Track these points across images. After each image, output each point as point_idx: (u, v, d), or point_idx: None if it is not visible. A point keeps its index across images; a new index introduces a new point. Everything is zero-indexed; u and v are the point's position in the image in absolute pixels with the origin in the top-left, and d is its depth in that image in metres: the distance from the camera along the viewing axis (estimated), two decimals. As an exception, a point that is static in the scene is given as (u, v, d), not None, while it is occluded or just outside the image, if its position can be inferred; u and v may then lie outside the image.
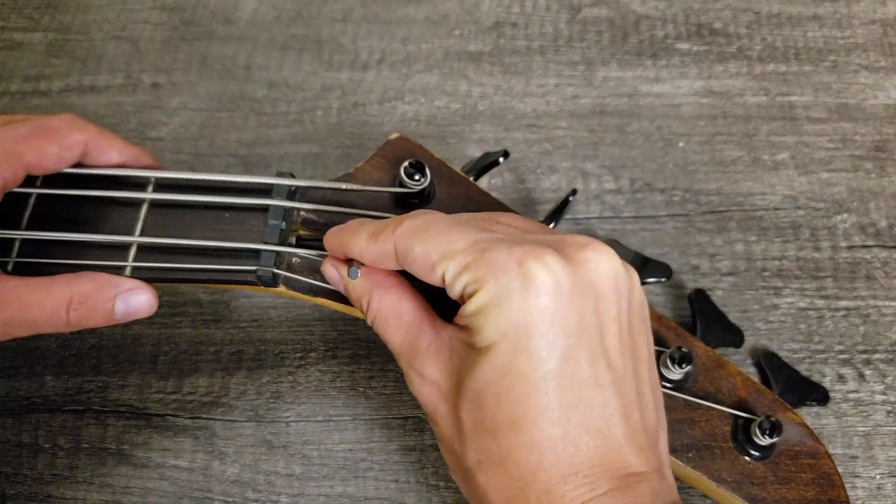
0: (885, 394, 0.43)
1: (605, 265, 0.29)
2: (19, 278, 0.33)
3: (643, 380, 0.30)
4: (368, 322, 0.32)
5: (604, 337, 0.28)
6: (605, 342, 0.28)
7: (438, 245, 0.29)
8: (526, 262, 0.27)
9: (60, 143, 0.34)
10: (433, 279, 0.29)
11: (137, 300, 0.34)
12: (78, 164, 0.35)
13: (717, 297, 0.45)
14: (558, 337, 0.27)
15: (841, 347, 0.44)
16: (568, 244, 0.29)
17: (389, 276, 0.32)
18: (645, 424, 0.29)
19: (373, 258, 0.31)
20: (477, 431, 0.28)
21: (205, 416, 0.43)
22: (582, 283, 0.28)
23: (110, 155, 0.36)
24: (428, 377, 0.30)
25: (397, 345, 0.31)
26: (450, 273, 0.28)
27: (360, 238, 0.31)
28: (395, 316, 0.31)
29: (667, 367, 0.36)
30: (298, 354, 0.44)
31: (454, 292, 0.29)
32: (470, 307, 0.28)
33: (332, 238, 0.32)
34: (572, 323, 0.27)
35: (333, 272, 0.33)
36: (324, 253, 0.35)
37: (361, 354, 0.44)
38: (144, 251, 0.35)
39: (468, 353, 0.29)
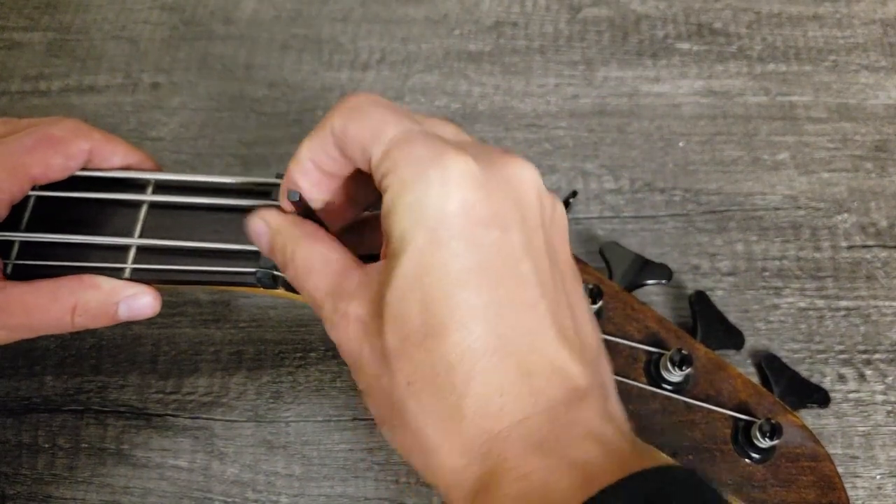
0: (885, 394, 0.43)
1: (527, 173, 0.28)
2: (24, 284, 0.33)
3: (573, 295, 0.29)
4: (289, 276, 0.30)
5: (529, 239, 0.27)
6: (531, 243, 0.27)
7: (372, 125, 0.28)
8: (446, 155, 0.26)
9: (65, 153, 0.34)
10: (363, 162, 0.28)
11: (140, 303, 0.34)
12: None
13: (718, 297, 0.45)
14: (478, 229, 0.26)
15: (841, 347, 0.44)
16: (492, 151, 0.28)
17: (317, 229, 0.31)
18: (581, 338, 0.28)
19: (313, 152, 0.29)
20: (403, 350, 0.26)
21: (204, 416, 0.43)
22: (502, 183, 0.27)
23: (113, 160, 0.36)
24: (352, 315, 0.28)
25: (322, 292, 0.29)
26: (376, 156, 0.27)
27: (301, 146, 0.30)
28: (322, 262, 0.29)
29: (667, 369, 0.36)
30: (298, 354, 0.44)
31: (377, 180, 0.28)
32: (386, 200, 0.27)
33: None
34: (493, 217, 0.26)
35: (259, 223, 0.31)
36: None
37: (361, 354, 0.44)
38: (144, 253, 0.35)
39: (387, 266, 0.27)
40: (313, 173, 0.30)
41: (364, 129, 0.28)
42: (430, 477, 0.27)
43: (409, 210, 0.26)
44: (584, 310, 0.29)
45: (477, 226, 0.26)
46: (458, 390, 0.25)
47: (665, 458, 0.25)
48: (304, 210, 0.31)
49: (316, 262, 0.29)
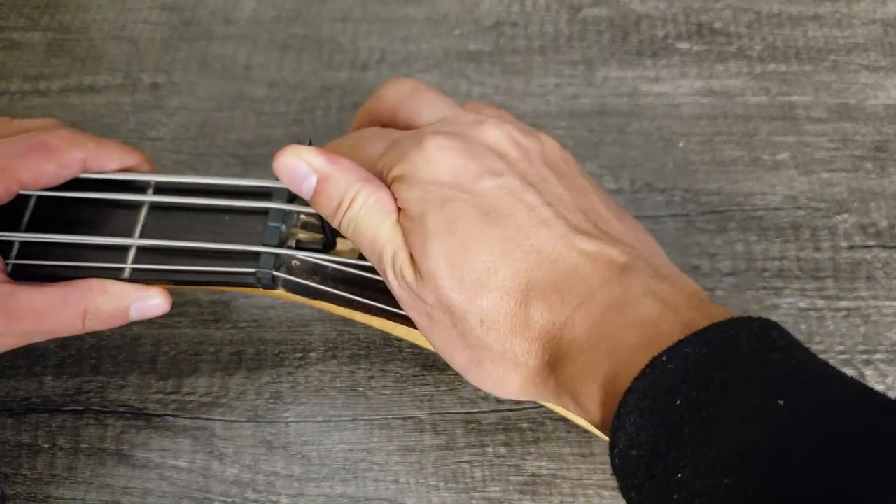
0: (885, 394, 0.43)
1: (496, 131, 0.32)
2: (33, 289, 0.33)
3: (588, 200, 0.32)
4: (345, 222, 0.31)
5: (522, 175, 0.30)
6: (526, 178, 0.30)
7: (367, 154, 0.32)
8: (423, 139, 0.30)
9: (59, 162, 0.34)
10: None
11: (150, 304, 0.35)
12: None
13: (718, 297, 0.45)
14: (475, 182, 0.30)
15: (841, 348, 0.44)
16: (467, 124, 0.32)
17: (369, 174, 0.32)
18: (609, 231, 0.30)
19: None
20: (467, 296, 0.29)
21: (204, 416, 0.43)
22: (479, 145, 0.31)
23: (109, 165, 0.36)
24: (403, 276, 0.30)
25: (383, 238, 0.30)
26: (377, 166, 0.31)
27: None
28: (389, 211, 0.31)
29: None
30: (298, 355, 0.44)
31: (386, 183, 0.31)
32: (393, 191, 0.31)
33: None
34: (483, 171, 0.30)
35: (296, 162, 0.32)
36: (324, 256, 0.35)
37: (361, 355, 0.44)
38: (144, 253, 0.35)
39: (414, 230, 0.30)
40: None
41: (358, 156, 0.32)
42: (521, 388, 0.30)
43: (410, 186, 0.30)
44: (604, 208, 0.32)
45: (473, 180, 0.30)
46: (524, 302, 0.29)
47: (722, 310, 0.27)
48: None
49: (383, 207, 0.31)
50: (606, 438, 0.34)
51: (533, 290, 0.29)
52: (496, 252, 0.29)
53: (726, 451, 0.23)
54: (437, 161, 0.30)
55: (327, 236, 0.35)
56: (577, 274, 0.28)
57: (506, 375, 0.30)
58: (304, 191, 0.32)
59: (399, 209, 0.30)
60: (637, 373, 0.25)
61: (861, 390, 0.24)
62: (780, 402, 0.23)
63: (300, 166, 0.31)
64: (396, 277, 0.30)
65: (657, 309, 0.27)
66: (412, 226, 0.30)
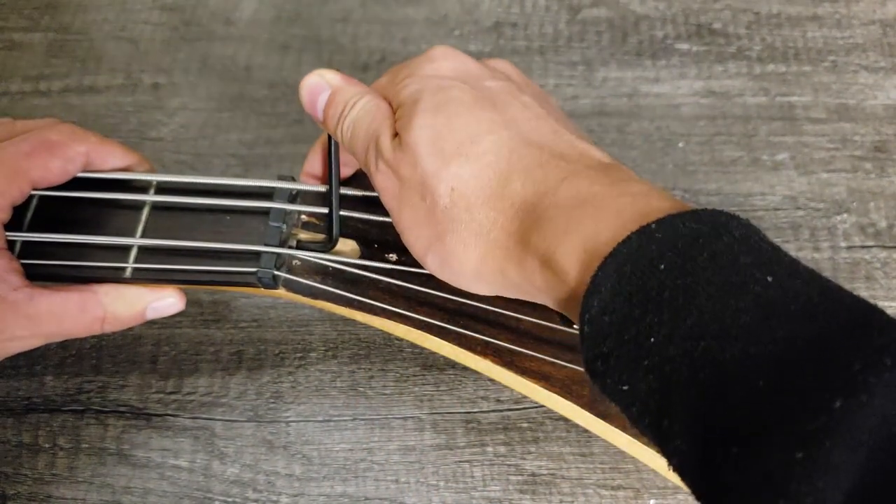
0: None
1: (507, 64, 0.34)
2: (52, 292, 0.33)
3: (569, 126, 0.32)
4: (342, 126, 0.33)
5: (518, 88, 0.32)
6: (521, 90, 0.32)
7: (385, 83, 0.33)
8: (429, 50, 0.32)
9: (63, 157, 0.34)
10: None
11: (164, 304, 0.36)
12: None
13: (717, 297, 0.45)
14: (475, 80, 0.31)
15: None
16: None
17: (372, 89, 0.34)
18: (591, 144, 0.30)
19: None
20: (441, 165, 0.29)
21: (205, 416, 0.43)
22: (479, 62, 0.33)
23: (110, 162, 0.36)
24: (386, 158, 0.31)
25: (373, 134, 0.32)
26: (389, 93, 0.33)
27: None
28: (377, 109, 0.32)
29: None
30: (298, 354, 0.44)
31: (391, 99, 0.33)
32: (392, 90, 0.32)
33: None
34: (482, 74, 0.32)
35: (316, 78, 0.34)
36: (323, 256, 0.35)
37: (361, 354, 0.44)
38: (146, 253, 0.35)
39: (408, 111, 0.30)
40: None
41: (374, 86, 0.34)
42: (482, 265, 0.29)
43: (411, 82, 0.31)
44: (581, 134, 0.32)
45: (473, 78, 0.31)
46: (503, 173, 0.29)
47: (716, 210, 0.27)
48: None
49: (373, 107, 0.32)
50: (605, 439, 0.34)
51: (515, 165, 0.29)
52: (483, 128, 0.29)
53: (706, 315, 0.22)
54: (441, 60, 0.32)
55: (330, 235, 0.35)
56: (565, 157, 0.29)
57: (466, 250, 0.29)
58: (319, 104, 0.34)
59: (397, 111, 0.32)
60: (622, 238, 0.24)
61: (849, 294, 0.23)
62: (769, 279, 0.22)
63: (320, 83, 0.33)
64: (376, 160, 0.31)
65: (647, 188, 0.27)
66: (404, 110, 0.30)
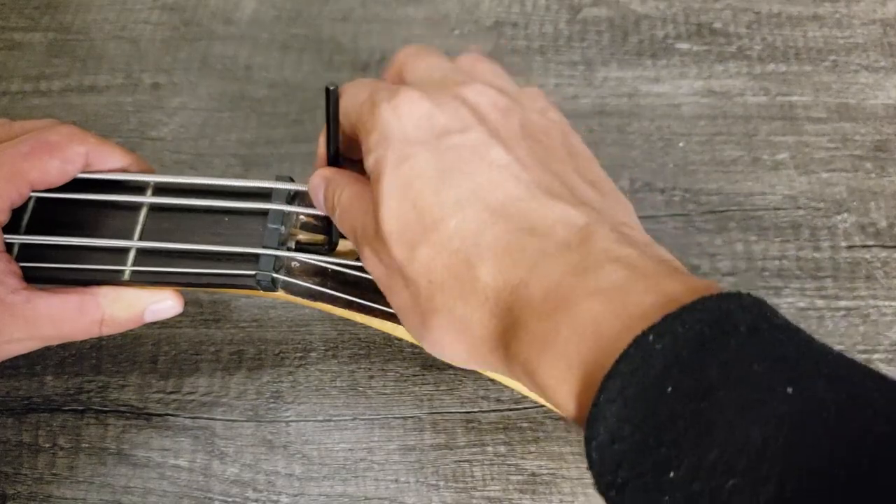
0: None
1: (476, 89, 0.31)
2: (50, 295, 0.33)
3: (561, 161, 0.31)
4: (336, 214, 0.33)
5: (494, 130, 0.30)
6: (498, 134, 0.30)
7: (348, 99, 0.32)
8: (394, 93, 0.30)
9: (62, 158, 0.34)
10: (351, 129, 0.33)
11: (163, 306, 0.36)
12: None
13: (717, 297, 0.45)
14: (440, 137, 0.29)
15: (841, 347, 0.44)
16: (451, 82, 0.32)
17: (360, 175, 0.33)
18: (577, 194, 0.29)
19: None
20: (413, 255, 0.28)
21: (205, 415, 0.43)
22: (454, 100, 0.30)
23: (110, 163, 0.36)
24: (370, 246, 0.31)
25: (359, 223, 0.31)
26: (353, 119, 0.32)
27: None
28: (357, 199, 0.31)
29: None
30: (298, 354, 0.44)
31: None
32: (362, 149, 0.31)
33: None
34: (450, 124, 0.30)
35: (317, 178, 0.34)
36: (323, 258, 0.35)
37: (361, 354, 0.44)
38: (143, 255, 0.35)
39: (374, 192, 0.30)
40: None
41: (345, 102, 0.32)
42: (471, 357, 0.29)
43: (376, 143, 0.30)
44: (576, 176, 0.31)
45: (438, 135, 0.29)
46: (472, 263, 0.27)
47: (706, 282, 0.24)
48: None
49: (353, 198, 0.32)
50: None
51: (483, 250, 0.27)
52: (447, 210, 0.28)
53: (730, 447, 0.20)
54: (405, 114, 0.30)
55: (331, 237, 0.35)
56: (534, 235, 0.27)
57: (453, 342, 0.29)
58: (320, 198, 0.34)
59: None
60: (616, 354, 0.22)
61: (877, 376, 0.21)
62: (790, 389, 0.20)
63: (318, 180, 0.33)
64: (361, 247, 0.31)
65: (623, 275, 0.24)
66: (374, 189, 0.30)
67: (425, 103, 0.30)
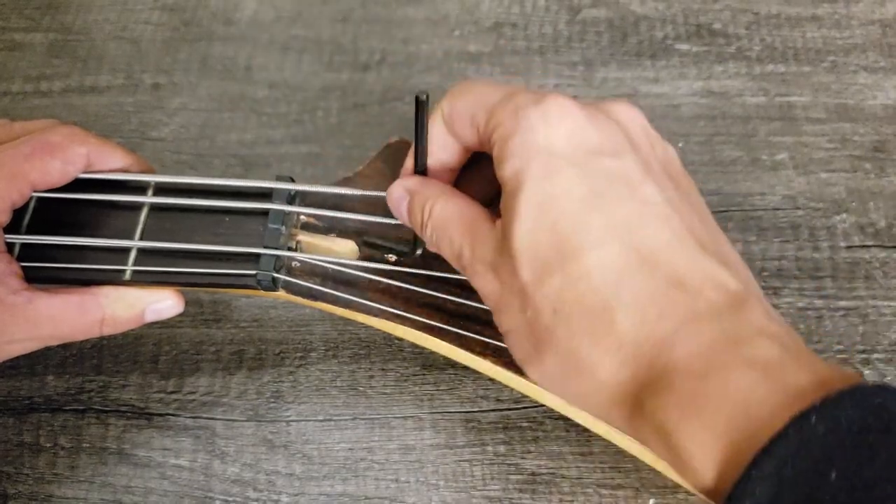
0: None
1: (632, 111, 0.29)
2: (51, 295, 0.33)
3: (704, 214, 0.29)
4: (427, 233, 0.31)
5: (645, 163, 0.27)
6: (649, 167, 0.27)
7: (476, 96, 0.30)
8: (545, 97, 0.28)
9: (63, 159, 0.34)
10: (472, 135, 0.30)
11: (164, 306, 0.36)
12: None
13: (716, 297, 0.45)
14: (591, 156, 0.27)
15: (840, 347, 0.44)
16: (598, 102, 0.30)
17: (450, 187, 0.32)
18: (722, 252, 0.27)
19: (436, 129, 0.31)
20: (542, 280, 0.26)
21: (206, 415, 0.43)
22: (607, 119, 0.28)
23: (111, 163, 0.36)
24: (486, 259, 0.28)
25: (457, 241, 0.29)
26: (482, 121, 0.29)
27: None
28: (458, 213, 0.30)
29: None
30: (299, 354, 0.44)
31: (487, 143, 0.29)
32: (496, 154, 0.28)
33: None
34: (603, 146, 0.27)
35: (399, 189, 0.32)
36: (323, 258, 0.35)
37: (362, 354, 0.44)
38: (144, 255, 0.35)
39: (507, 206, 0.27)
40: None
41: (469, 102, 0.30)
42: (585, 399, 0.27)
43: (519, 150, 0.27)
44: (717, 229, 0.29)
45: (589, 154, 0.27)
46: (609, 305, 0.25)
47: (849, 370, 0.24)
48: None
49: (452, 213, 0.30)
50: (605, 438, 0.34)
51: (625, 294, 0.25)
52: (590, 239, 0.26)
53: None
54: (556, 121, 0.27)
55: (414, 246, 0.35)
56: (682, 290, 0.25)
57: (565, 380, 0.27)
58: (403, 213, 0.32)
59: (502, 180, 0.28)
60: (771, 430, 0.21)
61: None
62: None
63: (400, 192, 0.32)
64: (470, 263, 0.29)
65: (777, 352, 0.23)
66: (506, 200, 0.27)
67: (579, 114, 0.27)
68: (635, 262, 0.25)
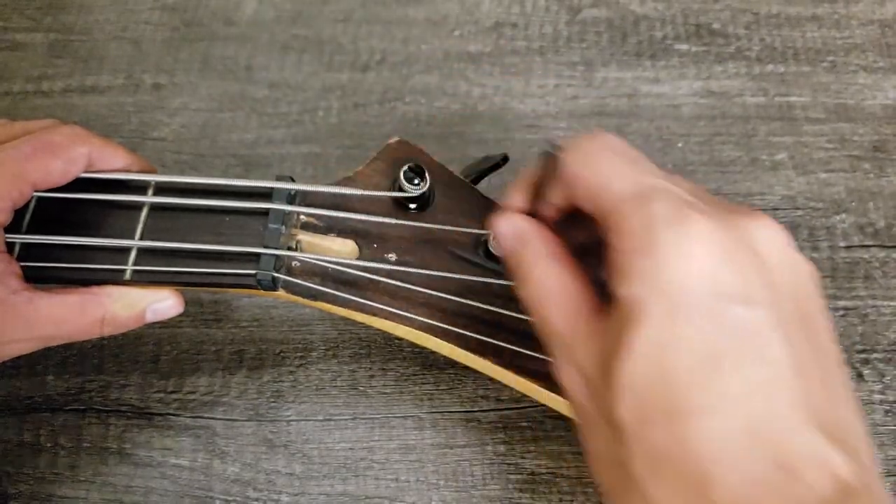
0: (883, 393, 0.43)
1: (772, 233, 0.26)
2: (52, 295, 0.33)
3: (831, 372, 0.26)
4: (520, 293, 0.28)
5: (778, 313, 0.25)
6: (780, 318, 0.24)
7: (604, 173, 0.26)
8: (688, 217, 0.24)
9: (65, 158, 0.34)
10: (588, 207, 0.27)
11: (164, 306, 0.35)
12: None
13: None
14: (722, 304, 0.24)
15: (839, 347, 0.44)
16: (732, 210, 0.26)
17: (562, 248, 0.28)
18: (843, 425, 0.25)
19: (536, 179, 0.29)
20: (643, 428, 0.24)
21: (206, 415, 0.43)
22: (746, 249, 0.25)
23: (112, 163, 0.36)
24: (580, 369, 0.26)
25: (553, 325, 0.27)
26: (605, 207, 0.26)
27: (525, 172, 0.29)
28: (560, 291, 0.27)
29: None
30: (299, 354, 0.44)
31: (604, 229, 0.26)
32: (616, 259, 0.25)
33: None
34: (737, 290, 0.24)
35: (508, 226, 0.29)
36: (322, 258, 0.35)
37: (362, 354, 0.44)
38: (144, 255, 0.35)
39: (618, 331, 0.24)
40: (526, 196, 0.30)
41: (593, 178, 0.26)
42: None
43: (644, 276, 0.24)
44: (843, 388, 0.26)
45: (721, 300, 0.24)
46: (707, 479, 0.23)
47: None
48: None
49: (554, 288, 0.27)
50: None
51: (727, 474, 0.23)
52: (702, 402, 0.23)
53: None
54: (695, 254, 0.24)
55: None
56: (782, 471, 0.23)
57: None
58: (506, 251, 0.30)
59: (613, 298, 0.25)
60: None
61: None
62: None
63: (508, 228, 0.29)
64: (563, 358, 0.27)
65: None
66: (618, 322, 0.25)
67: (717, 248, 0.24)
68: (740, 437, 0.23)
